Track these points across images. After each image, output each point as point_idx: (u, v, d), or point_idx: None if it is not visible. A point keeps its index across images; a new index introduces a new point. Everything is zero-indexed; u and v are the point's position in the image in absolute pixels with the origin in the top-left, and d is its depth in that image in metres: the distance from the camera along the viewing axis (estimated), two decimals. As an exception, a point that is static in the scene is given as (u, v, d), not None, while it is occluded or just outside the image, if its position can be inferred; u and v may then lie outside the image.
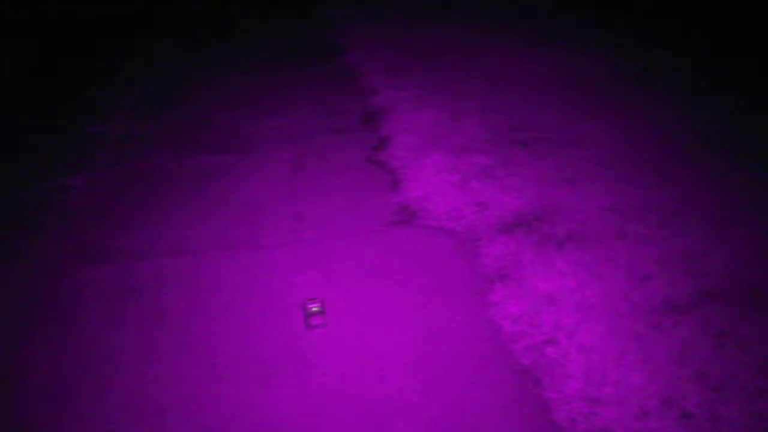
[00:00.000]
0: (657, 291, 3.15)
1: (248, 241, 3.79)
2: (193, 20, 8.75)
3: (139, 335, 3.10)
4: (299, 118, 5.36)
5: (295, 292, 3.28)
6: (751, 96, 5.29)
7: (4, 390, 2.85)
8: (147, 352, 2.99)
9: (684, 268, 3.31)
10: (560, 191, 4.02)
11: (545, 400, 2.62)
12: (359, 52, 6.88)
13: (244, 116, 5.46)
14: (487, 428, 2.53)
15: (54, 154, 4.98)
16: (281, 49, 7.32)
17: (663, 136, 4.68)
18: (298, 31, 8.05)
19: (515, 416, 2.59)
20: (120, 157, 4.89)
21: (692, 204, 3.84)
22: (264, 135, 5.10)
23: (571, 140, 4.64)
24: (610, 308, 3.04)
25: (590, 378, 2.67)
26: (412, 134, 4.85)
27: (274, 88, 6.10)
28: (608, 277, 3.26)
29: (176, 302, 3.31)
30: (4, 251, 3.87)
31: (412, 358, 2.88)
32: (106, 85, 6.43)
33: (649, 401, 2.56)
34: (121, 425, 2.64)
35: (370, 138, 4.96)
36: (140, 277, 3.51)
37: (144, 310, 3.26)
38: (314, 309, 3.12)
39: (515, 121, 4.97)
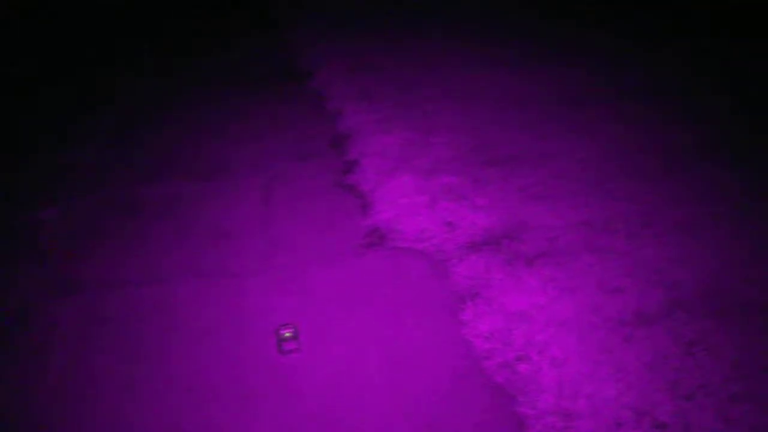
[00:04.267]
0: (628, 303, 3.17)
1: (221, 268, 3.77)
2: (157, 48, 8.73)
3: (116, 365, 3.05)
4: (267, 144, 5.36)
5: (269, 318, 3.26)
6: (729, 104, 5.39)
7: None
8: (124, 381, 2.95)
9: (654, 279, 3.34)
10: (530, 208, 4.05)
11: (520, 416, 2.63)
12: (326, 74, 6.88)
13: (213, 143, 5.44)
14: (463, 447, 2.54)
15: (27, 184, 4.92)
16: (248, 74, 7.31)
17: (632, 148, 4.73)
18: (264, 55, 8.05)
19: (490, 434, 2.60)
20: (92, 186, 4.84)
21: (662, 215, 3.88)
22: (233, 162, 5.09)
23: (541, 157, 4.67)
24: (582, 322, 3.06)
25: (563, 392, 2.68)
26: (381, 157, 4.85)
27: (242, 114, 6.09)
28: (579, 291, 3.27)
29: (151, 331, 3.27)
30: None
31: (388, 380, 2.87)
32: (75, 112, 6.39)
33: (623, 412, 2.57)
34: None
35: (339, 162, 4.97)
36: (114, 307, 3.46)
37: (119, 339, 3.22)
38: (287, 334, 3.10)
39: (485, 140, 4.99)
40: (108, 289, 3.64)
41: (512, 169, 4.53)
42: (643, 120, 5.22)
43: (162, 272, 3.78)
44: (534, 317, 3.11)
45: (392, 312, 3.30)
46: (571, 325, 3.04)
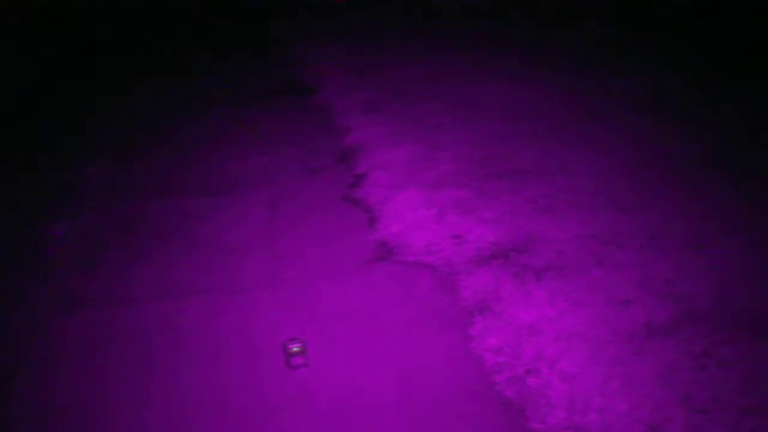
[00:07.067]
0: (637, 316, 3.14)
1: (228, 284, 3.76)
2: (163, 65, 8.78)
3: (125, 382, 3.04)
4: (274, 159, 5.36)
5: (277, 333, 3.24)
6: (737, 117, 5.37)
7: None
8: (134, 399, 2.94)
9: (663, 291, 3.31)
10: (537, 221, 4.03)
11: (530, 431, 2.60)
12: (332, 90, 6.91)
13: (219, 159, 5.45)
14: (473, 463, 2.51)
15: (33, 201, 4.93)
16: (254, 91, 7.34)
17: (640, 160, 4.72)
18: (270, 72, 8.08)
19: (501, 449, 2.58)
20: (98, 202, 4.85)
21: (670, 228, 3.86)
22: (240, 177, 5.09)
23: (547, 170, 4.66)
24: (591, 335, 3.03)
25: (574, 406, 2.65)
26: (388, 170, 4.85)
27: (249, 130, 6.11)
28: (588, 304, 3.25)
29: (159, 348, 3.26)
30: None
31: (397, 395, 2.85)
32: (82, 130, 6.41)
33: (635, 427, 2.54)
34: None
35: (346, 176, 4.97)
36: (123, 324, 3.46)
37: (128, 356, 3.21)
38: (295, 349, 3.09)
39: (492, 153, 4.99)
40: (115, 305, 3.64)
41: (519, 182, 4.52)
42: (649, 132, 5.21)
43: (169, 288, 3.77)
44: (543, 331, 3.08)
45: (400, 326, 3.28)
46: (580, 339, 3.02)
